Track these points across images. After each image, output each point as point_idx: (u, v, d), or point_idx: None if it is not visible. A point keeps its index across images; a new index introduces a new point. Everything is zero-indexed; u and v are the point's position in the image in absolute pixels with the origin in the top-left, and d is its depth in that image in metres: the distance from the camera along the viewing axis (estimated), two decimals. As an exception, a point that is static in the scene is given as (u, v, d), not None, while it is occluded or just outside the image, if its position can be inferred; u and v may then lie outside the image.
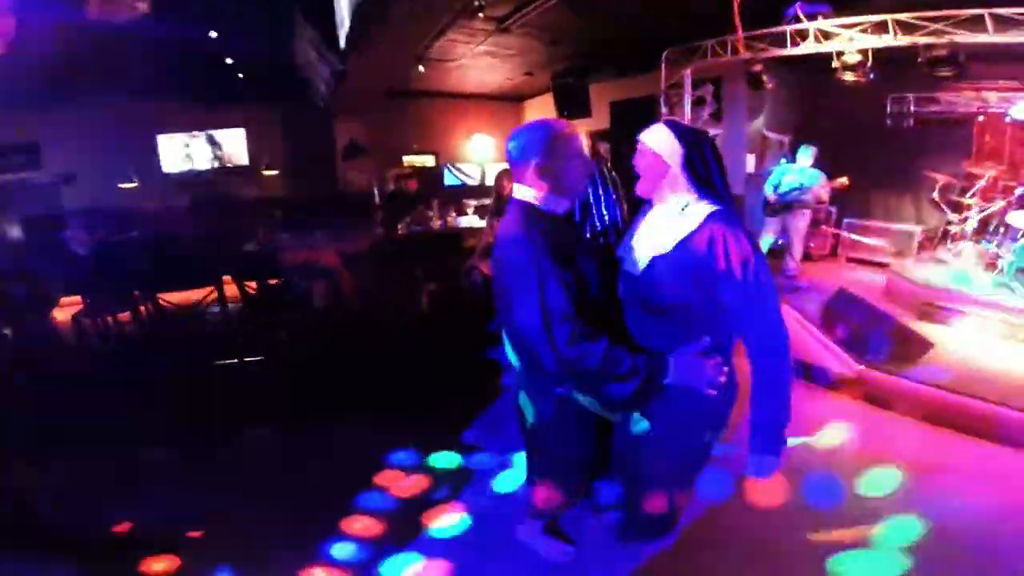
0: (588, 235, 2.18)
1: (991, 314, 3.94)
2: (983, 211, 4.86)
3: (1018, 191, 4.59)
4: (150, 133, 6.96)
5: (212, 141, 7.19)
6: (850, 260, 6.09)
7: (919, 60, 4.47)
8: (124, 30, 4.50)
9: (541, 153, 1.41)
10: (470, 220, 6.69)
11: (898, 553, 2.05)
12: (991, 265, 4.50)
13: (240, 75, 6.69)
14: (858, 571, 2.00)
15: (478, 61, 7.26)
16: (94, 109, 6.32)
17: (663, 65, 5.75)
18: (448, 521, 2.29)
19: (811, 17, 4.71)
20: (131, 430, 2.83)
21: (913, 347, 3.48)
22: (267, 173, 6.97)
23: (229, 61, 6.40)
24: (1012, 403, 2.79)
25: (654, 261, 1.41)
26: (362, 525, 2.28)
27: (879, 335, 3.49)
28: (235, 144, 7.25)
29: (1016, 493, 2.41)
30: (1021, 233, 4.25)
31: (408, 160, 8.53)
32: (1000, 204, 4.70)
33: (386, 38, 5.09)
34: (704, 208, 1.40)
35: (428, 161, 8.67)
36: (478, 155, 9.46)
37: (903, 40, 4.25)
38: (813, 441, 2.82)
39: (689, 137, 1.43)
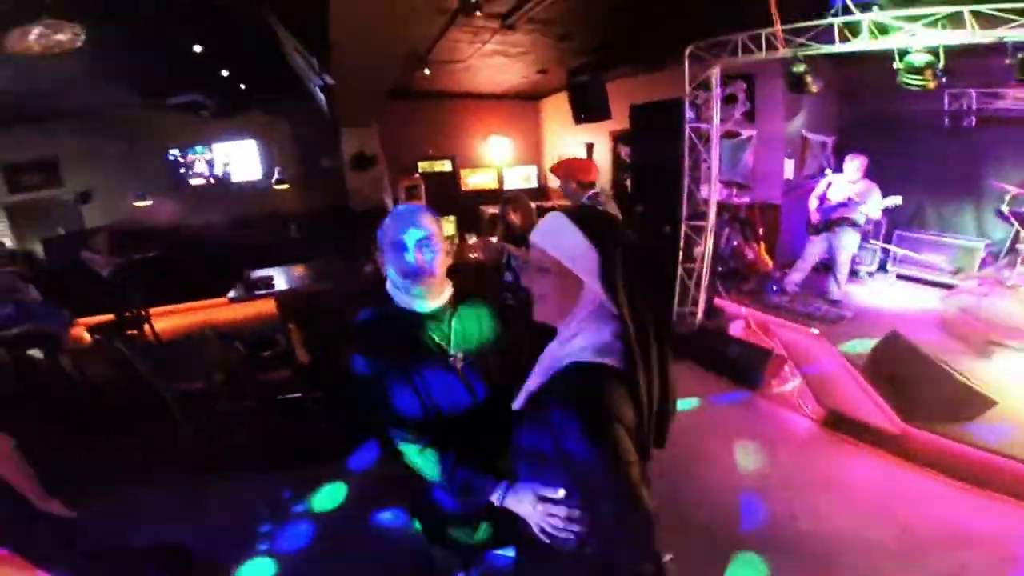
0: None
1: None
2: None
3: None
4: (163, 146, 6.95)
5: (225, 152, 7.13)
6: (901, 278, 5.45)
7: (1007, 61, 3.46)
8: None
9: (382, 239, 1.34)
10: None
11: None
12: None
13: (242, 85, 6.55)
14: None
15: (487, 60, 6.88)
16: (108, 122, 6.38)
17: (686, 62, 4.79)
18: None
19: (864, 8, 3.72)
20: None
21: (973, 407, 3.00)
22: (278, 188, 6.84)
23: (225, 73, 6.27)
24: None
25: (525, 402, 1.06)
26: None
27: (935, 394, 3.05)
28: (246, 156, 7.18)
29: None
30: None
31: (424, 166, 8.27)
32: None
33: (362, 43, 4.63)
34: (576, 349, 0.96)
35: (445, 166, 8.39)
36: (496, 157, 9.14)
37: (984, 36, 3.23)
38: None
39: (605, 240, 0.96)
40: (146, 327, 4.80)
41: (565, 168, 3.30)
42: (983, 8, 3.19)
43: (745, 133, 6.11)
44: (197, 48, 5.15)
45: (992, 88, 4.97)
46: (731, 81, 5.59)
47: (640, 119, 6.38)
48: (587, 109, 6.66)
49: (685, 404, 3.61)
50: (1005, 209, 4.68)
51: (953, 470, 2.75)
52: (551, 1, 4.81)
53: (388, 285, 1.34)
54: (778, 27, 4.02)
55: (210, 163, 7.03)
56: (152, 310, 4.98)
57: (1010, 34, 3.14)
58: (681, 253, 4.76)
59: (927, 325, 4.20)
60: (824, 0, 3.90)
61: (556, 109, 8.73)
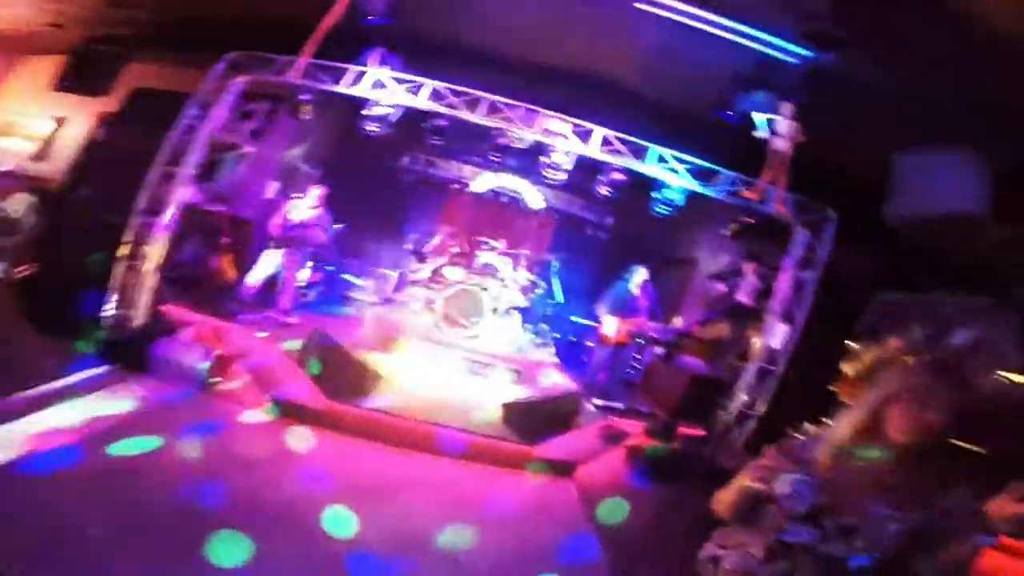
0: None
1: (427, 346, 5.50)
2: (434, 264, 6.53)
3: (453, 250, 6.53)
4: None
5: None
6: (344, 297, 7.05)
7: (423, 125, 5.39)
8: None
9: None
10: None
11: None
12: (430, 306, 6.08)
13: None
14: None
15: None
16: None
17: (222, 66, 4.64)
18: None
19: (382, 64, 4.72)
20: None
21: (370, 381, 4.35)
22: None
23: None
24: (441, 421, 3.99)
25: None
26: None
27: (346, 374, 4.18)
28: None
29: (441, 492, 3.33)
30: (450, 284, 5.97)
31: None
32: (443, 260, 6.47)
33: None
34: None
35: None
36: None
37: (425, 105, 4.69)
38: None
39: None
40: None
41: None
42: (439, 85, 4.61)
43: (246, 148, 6.17)
44: None
45: (431, 156, 7.30)
46: (259, 99, 5.72)
47: (138, 103, 5.81)
48: (85, 80, 5.96)
49: (123, 405, 3.39)
50: (409, 246, 6.89)
51: (367, 432, 3.79)
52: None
53: None
54: (306, 58, 4.38)
55: None
56: None
57: (431, 106, 4.63)
58: (129, 248, 4.35)
59: (351, 328, 5.62)
60: (357, 50, 4.72)
61: (34, 75, 6.76)
